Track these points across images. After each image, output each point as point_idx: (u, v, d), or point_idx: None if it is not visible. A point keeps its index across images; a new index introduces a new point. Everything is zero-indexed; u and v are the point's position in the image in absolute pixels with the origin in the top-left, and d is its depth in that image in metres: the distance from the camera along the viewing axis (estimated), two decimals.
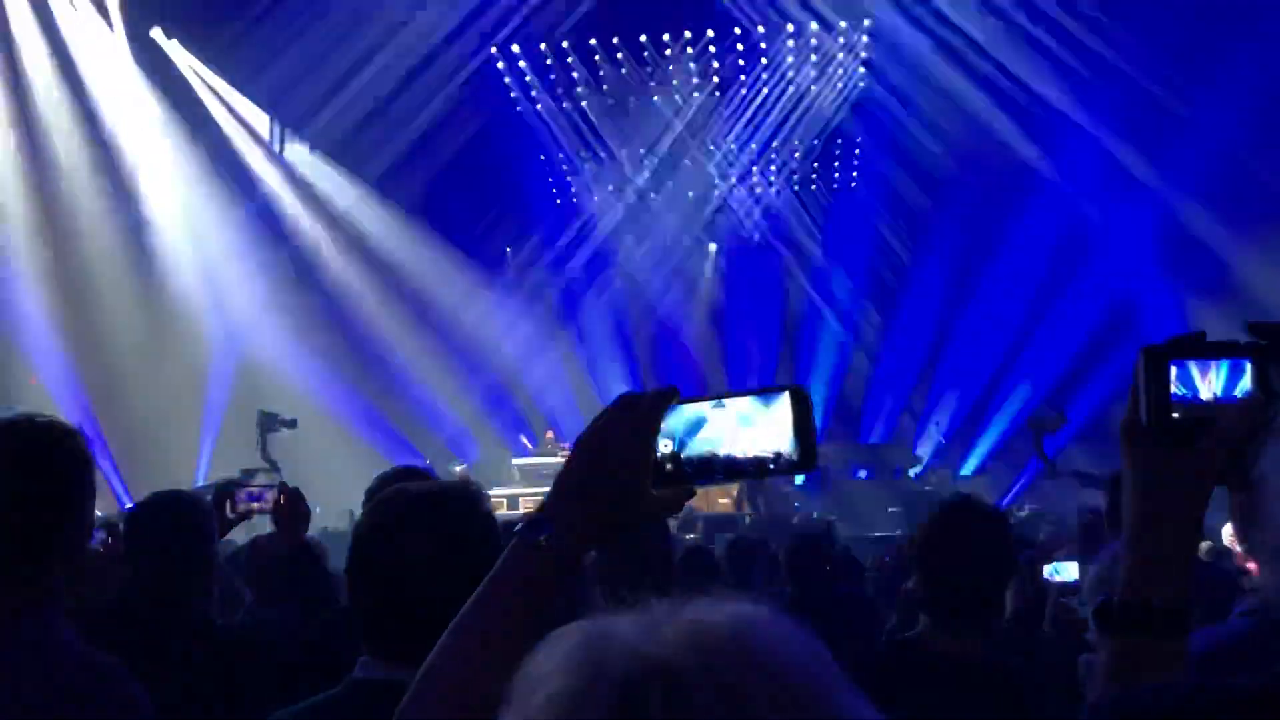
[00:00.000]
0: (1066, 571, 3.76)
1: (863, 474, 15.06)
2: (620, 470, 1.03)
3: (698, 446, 1.05)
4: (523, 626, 0.98)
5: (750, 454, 1.05)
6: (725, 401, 1.07)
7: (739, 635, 0.65)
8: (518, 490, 13.10)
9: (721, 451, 1.05)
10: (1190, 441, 1.03)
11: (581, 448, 1.06)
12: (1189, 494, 1.04)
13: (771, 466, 1.06)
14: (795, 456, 1.05)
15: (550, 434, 15.23)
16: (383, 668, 1.54)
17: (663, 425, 1.05)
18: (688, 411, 1.06)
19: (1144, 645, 1.04)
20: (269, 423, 10.57)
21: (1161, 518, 1.05)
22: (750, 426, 1.05)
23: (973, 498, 2.55)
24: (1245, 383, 1.03)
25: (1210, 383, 1.07)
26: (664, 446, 1.05)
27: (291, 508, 3.02)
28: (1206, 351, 1.05)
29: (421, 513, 1.61)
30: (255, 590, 3.48)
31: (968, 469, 15.70)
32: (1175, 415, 1.04)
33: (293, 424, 10.77)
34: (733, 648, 0.64)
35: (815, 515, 13.07)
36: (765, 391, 1.06)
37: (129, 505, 3.29)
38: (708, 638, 0.64)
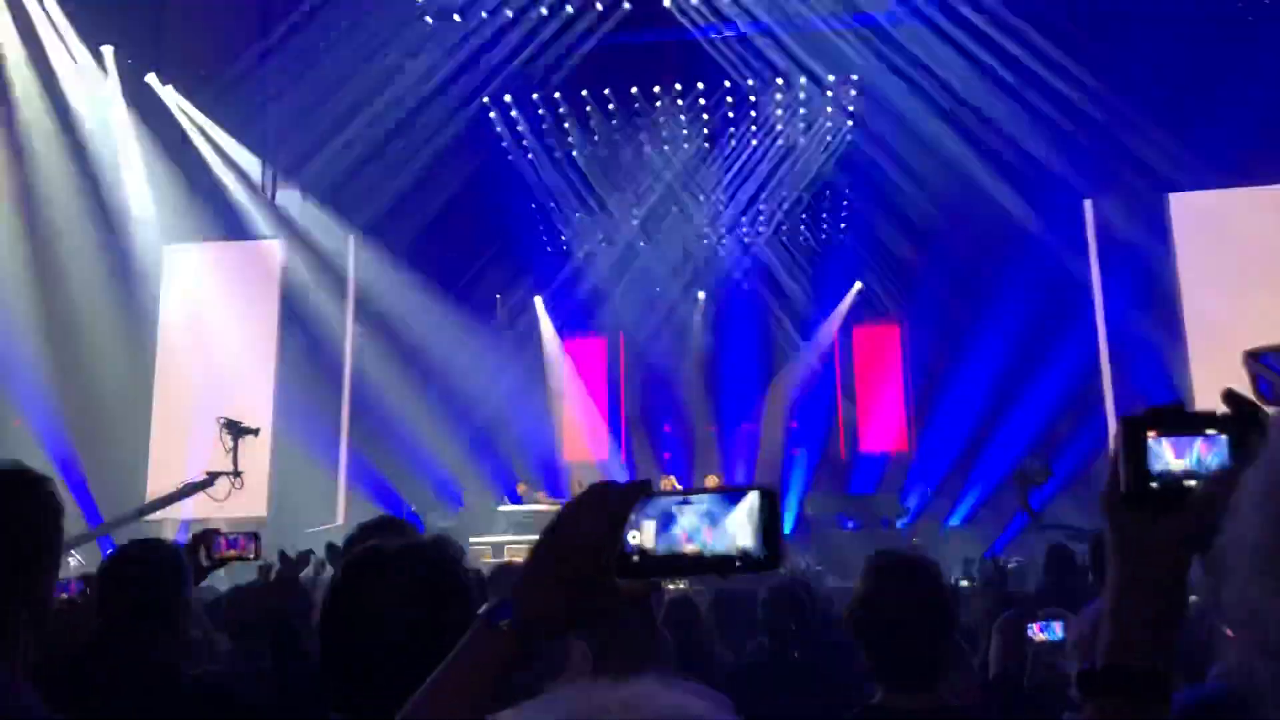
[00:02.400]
0: (1052, 630, 3.74)
1: (849, 525, 15.00)
2: (586, 562, 1.04)
3: (665, 541, 1.07)
4: (479, 707, 0.98)
5: (716, 551, 1.07)
6: (694, 498, 1.08)
7: None
8: (503, 538, 13.02)
9: (688, 548, 1.07)
10: (1170, 509, 1.04)
11: (549, 536, 1.07)
12: (1169, 561, 1.05)
13: (737, 564, 1.07)
14: (760, 556, 1.06)
15: (523, 485, 15.14)
16: None
17: (631, 518, 1.06)
18: (657, 505, 1.08)
19: (1127, 711, 1.04)
20: (235, 430, 10.91)
21: (1143, 584, 1.06)
22: (718, 524, 1.07)
23: (899, 554, 2.50)
24: (1223, 453, 1.05)
25: (1190, 452, 1.08)
26: (632, 539, 1.06)
27: (281, 576, 2.94)
28: (1184, 421, 1.06)
29: (394, 572, 1.58)
30: (233, 640, 3.43)
31: (955, 520, 15.65)
32: (1154, 485, 1.06)
33: (255, 432, 11.11)
34: None
35: (804, 566, 13.00)
36: (734, 490, 1.08)
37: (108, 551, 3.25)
38: None
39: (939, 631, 2.34)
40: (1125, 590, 1.07)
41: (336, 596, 1.61)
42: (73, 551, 10.52)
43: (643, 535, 1.07)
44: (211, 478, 10.81)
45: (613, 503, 1.06)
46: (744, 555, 1.06)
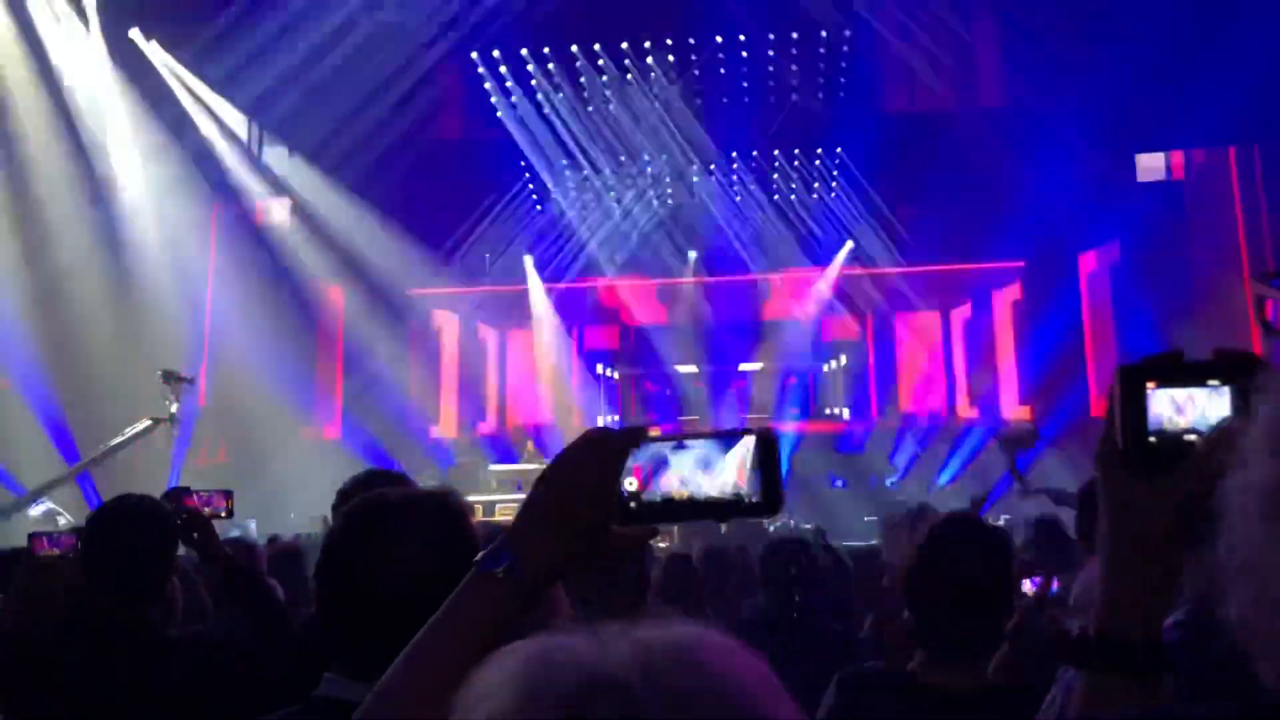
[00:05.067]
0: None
1: (839, 483, 15.06)
2: (585, 507, 1.03)
3: (663, 486, 1.06)
4: (475, 658, 0.96)
5: (715, 495, 1.05)
6: (690, 442, 1.07)
7: (684, 650, 0.65)
8: (494, 497, 13.02)
9: (686, 492, 1.06)
10: (1168, 467, 0.99)
11: (547, 481, 1.05)
12: (1167, 523, 1.00)
13: (734, 508, 1.06)
14: (759, 499, 1.05)
15: (531, 445, 15.17)
16: (353, 687, 1.42)
17: (628, 463, 1.05)
18: (654, 450, 1.06)
19: (1121, 680, 1.00)
20: (170, 379, 11.17)
21: (1139, 548, 1.01)
22: (716, 468, 1.06)
23: (964, 518, 2.34)
24: (1227, 405, 0.99)
25: (1193, 406, 1.01)
26: (629, 484, 1.05)
27: (191, 519, 2.84)
28: (1184, 372, 1.00)
29: (399, 522, 1.51)
30: (213, 599, 3.39)
31: (943, 479, 15.70)
32: (1152, 440, 1.00)
33: (191, 381, 11.41)
34: (679, 661, 0.64)
35: (793, 524, 13.01)
36: (732, 433, 1.07)
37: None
38: (654, 653, 0.65)
39: (1000, 604, 2.16)
40: (1119, 553, 1.02)
41: (337, 547, 1.53)
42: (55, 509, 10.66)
43: (640, 480, 1.06)
44: (155, 423, 11.27)
45: (609, 447, 1.05)
46: (741, 499, 1.05)
